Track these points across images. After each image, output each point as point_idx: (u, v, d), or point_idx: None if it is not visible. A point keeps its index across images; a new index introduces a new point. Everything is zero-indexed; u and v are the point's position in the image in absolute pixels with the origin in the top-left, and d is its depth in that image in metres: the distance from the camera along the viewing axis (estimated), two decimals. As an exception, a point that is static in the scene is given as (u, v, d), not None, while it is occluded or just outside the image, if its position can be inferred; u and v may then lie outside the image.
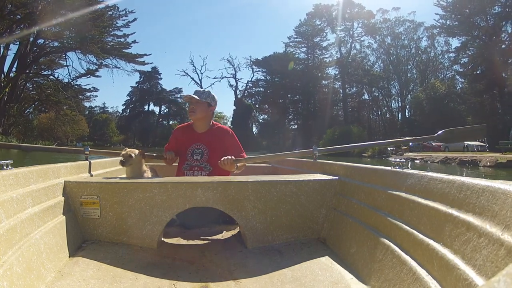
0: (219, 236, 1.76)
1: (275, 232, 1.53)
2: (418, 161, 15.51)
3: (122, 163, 1.72)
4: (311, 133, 32.49)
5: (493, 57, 23.98)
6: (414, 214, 1.02)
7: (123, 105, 57.24)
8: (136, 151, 1.77)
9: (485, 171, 11.03)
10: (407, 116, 39.27)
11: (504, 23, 25.90)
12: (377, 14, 41.55)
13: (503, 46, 25.77)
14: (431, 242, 0.88)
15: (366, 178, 1.46)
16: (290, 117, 47.73)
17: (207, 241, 1.68)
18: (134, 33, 32.83)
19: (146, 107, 55.60)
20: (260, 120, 49.36)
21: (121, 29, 30.99)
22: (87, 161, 1.89)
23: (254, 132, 49.49)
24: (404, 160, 1.38)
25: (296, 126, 46.25)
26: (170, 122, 53.69)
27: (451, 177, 0.94)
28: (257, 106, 49.17)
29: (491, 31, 25.47)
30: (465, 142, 19.11)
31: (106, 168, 2.16)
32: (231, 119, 48.47)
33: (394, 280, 0.97)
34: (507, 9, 24.88)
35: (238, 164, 2.06)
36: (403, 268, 0.96)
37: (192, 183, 1.53)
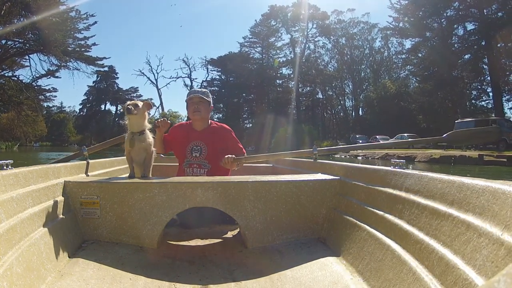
0: (219, 236, 1.76)
1: (275, 232, 1.53)
2: (360, 158, 15.95)
3: (129, 110, 1.65)
4: (265, 132, 32.86)
5: (444, 58, 24.73)
6: (414, 214, 1.02)
7: (80, 104, 56.93)
8: (140, 102, 1.72)
9: (420, 166, 11.86)
10: (360, 115, 40.15)
11: (456, 26, 26.76)
12: (332, 15, 42.31)
13: (453, 48, 26.65)
14: (431, 242, 0.88)
15: (366, 178, 1.46)
16: (245, 116, 48.15)
17: (207, 241, 1.68)
18: (94, 35, 33.67)
19: (102, 106, 55.43)
20: (215, 119, 49.40)
21: (82, 31, 31.67)
22: (87, 161, 1.89)
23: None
24: (404, 161, 1.38)
25: (250, 125, 46.44)
26: (127, 122, 53.08)
27: (451, 177, 0.94)
28: (212, 105, 49.50)
29: (444, 33, 26.20)
30: (410, 140, 19.72)
31: (106, 168, 2.16)
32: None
33: (394, 280, 0.97)
34: (460, 12, 25.67)
35: (238, 164, 2.09)
36: (403, 268, 0.96)
37: (192, 183, 1.53)
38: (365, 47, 42.39)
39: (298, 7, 41.09)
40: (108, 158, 2.31)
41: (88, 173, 1.85)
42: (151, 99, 49.37)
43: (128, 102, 1.69)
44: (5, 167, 1.23)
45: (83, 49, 32.33)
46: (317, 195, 1.58)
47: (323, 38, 43.29)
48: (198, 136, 2.18)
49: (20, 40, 28.78)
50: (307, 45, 43.63)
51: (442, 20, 27.13)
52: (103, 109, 55.44)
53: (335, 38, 42.78)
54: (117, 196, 1.47)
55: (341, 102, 44.54)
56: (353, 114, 42.93)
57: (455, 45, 27.13)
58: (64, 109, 59.72)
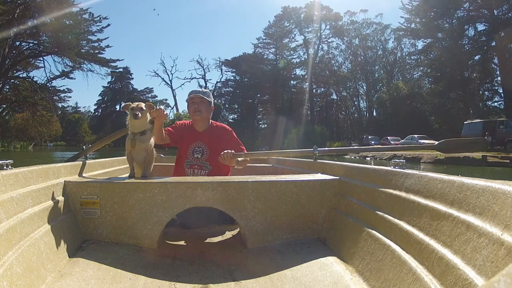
0: (219, 236, 1.76)
1: (275, 232, 1.53)
2: (369, 158, 16.14)
3: (136, 116, 1.64)
4: (279, 132, 33.13)
5: (455, 58, 24.82)
6: (414, 214, 1.01)
7: (95, 105, 57.37)
8: (143, 104, 1.72)
9: (425, 166, 12.20)
10: (374, 116, 40.14)
11: (466, 26, 26.77)
12: (345, 16, 42.24)
13: (464, 48, 26.65)
14: (431, 242, 0.88)
15: (366, 178, 1.46)
16: (259, 116, 48.43)
17: (207, 241, 1.68)
18: (107, 38, 35.42)
19: (117, 107, 55.49)
20: (230, 120, 49.79)
21: (95, 34, 32.37)
22: (87, 161, 1.89)
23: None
24: (404, 161, 1.38)
25: (265, 126, 46.74)
26: None
27: (451, 177, 0.94)
28: (226, 106, 49.87)
29: (455, 33, 26.20)
30: (420, 141, 20.55)
31: (106, 168, 2.16)
32: None
33: (394, 280, 0.97)
34: (471, 13, 25.70)
35: (239, 159, 2.04)
36: (403, 268, 0.95)
37: (192, 183, 1.53)
38: (378, 48, 42.22)
39: (310, 8, 41.15)
40: (108, 158, 2.31)
41: (88, 173, 1.85)
42: (166, 99, 49.56)
43: (132, 105, 1.69)
44: (5, 167, 1.23)
45: (96, 51, 33.01)
46: (317, 195, 1.58)
47: (337, 39, 43.32)
48: (200, 137, 2.17)
49: (34, 42, 29.47)
50: (320, 46, 43.70)
51: (453, 21, 27.13)
52: (118, 109, 55.68)
53: (348, 39, 42.71)
54: (117, 196, 1.47)
55: (355, 103, 44.42)
56: (367, 115, 42.79)
57: (466, 46, 27.04)
58: (79, 109, 60.32)
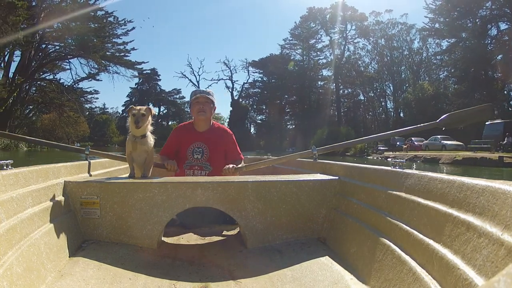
0: (219, 236, 1.76)
1: (275, 232, 1.53)
2: (390, 159, 16.30)
3: (137, 125, 1.64)
4: (307, 133, 33.19)
5: (479, 58, 24.60)
6: (414, 214, 1.01)
7: (123, 105, 57.71)
8: (144, 107, 1.71)
9: (443, 167, 12.37)
10: (401, 116, 39.92)
11: (489, 26, 26.60)
12: (370, 17, 42.27)
13: (488, 48, 26.48)
14: (431, 242, 0.88)
15: (366, 178, 1.46)
16: (287, 117, 48.75)
17: (207, 241, 1.68)
18: (132, 40, 36.12)
19: None
20: (258, 121, 50.00)
21: (120, 37, 32.90)
22: (87, 161, 1.89)
23: (252, 132, 50.43)
24: (404, 161, 1.38)
25: (293, 126, 47.10)
26: (170, 123, 54.20)
27: (451, 177, 0.94)
28: (254, 106, 50.37)
29: (475, 33, 26.01)
30: (443, 142, 19.95)
31: (106, 168, 2.16)
32: (227, 120, 49.64)
33: (394, 280, 0.97)
34: (493, 12, 25.53)
35: (240, 170, 2.07)
36: (403, 268, 0.95)
37: (192, 183, 1.53)
38: (404, 48, 42.14)
39: (335, 9, 41.31)
40: (108, 158, 2.31)
41: (88, 173, 1.85)
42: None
43: (133, 111, 1.67)
44: (5, 167, 1.23)
45: (122, 54, 33.70)
46: (317, 195, 1.58)
47: (363, 40, 43.46)
48: (200, 137, 2.17)
49: (60, 45, 30.37)
50: (346, 47, 43.86)
51: (476, 20, 26.88)
52: None
53: (374, 40, 42.81)
54: (117, 196, 1.47)
55: (382, 103, 44.37)
56: (394, 115, 42.58)
57: (489, 45, 26.77)
58: (107, 110, 60.81)
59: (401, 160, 1.36)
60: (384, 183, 1.28)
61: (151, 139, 1.76)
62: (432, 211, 0.93)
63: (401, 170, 1.25)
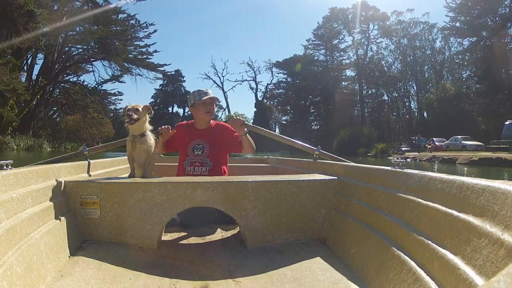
0: (219, 236, 1.76)
1: (275, 232, 1.53)
2: (409, 159, 16.73)
3: (129, 120, 1.61)
4: (331, 134, 33.09)
5: (499, 57, 24.25)
6: (414, 214, 1.01)
7: None
8: (141, 106, 1.69)
9: (460, 168, 12.28)
10: (425, 117, 39.40)
11: (509, 24, 26.16)
12: (392, 16, 41.83)
13: (508, 47, 26.00)
14: (431, 242, 0.88)
15: (366, 178, 1.46)
16: (311, 118, 48.50)
17: (207, 241, 1.68)
18: (155, 43, 36.62)
19: (170, 109, 56.01)
20: (283, 121, 50.20)
21: (142, 40, 33.31)
22: (87, 161, 1.89)
23: (276, 133, 50.76)
24: (404, 161, 1.38)
25: (318, 127, 47.08)
26: None
27: (451, 177, 0.94)
28: (279, 107, 50.35)
29: (494, 32, 25.75)
30: (463, 142, 19.95)
31: (106, 168, 2.16)
32: (252, 120, 49.70)
33: (394, 280, 0.97)
34: None
35: (246, 130, 2.12)
36: (403, 268, 0.96)
37: (192, 183, 1.53)
38: (426, 48, 41.56)
39: (357, 9, 41.23)
40: (108, 159, 2.31)
41: (88, 173, 1.85)
42: (219, 102, 51.28)
43: (128, 107, 1.68)
44: (5, 167, 1.23)
45: (144, 56, 33.94)
46: (317, 195, 1.58)
47: (385, 39, 43.15)
48: (200, 134, 2.20)
49: (83, 47, 30.84)
50: (369, 47, 43.68)
51: (496, 19, 26.50)
52: (170, 111, 56.06)
53: (396, 39, 42.30)
54: (117, 196, 1.47)
55: (406, 104, 43.85)
56: (417, 116, 42.05)
57: (510, 44, 26.24)
58: None
59: (401, 160, 1.36)
60: (384, 183, 1.28)
61: (151, 139, 1.76)
62: (432, 211, 0.93)
63: (401, 170, 1.25)
